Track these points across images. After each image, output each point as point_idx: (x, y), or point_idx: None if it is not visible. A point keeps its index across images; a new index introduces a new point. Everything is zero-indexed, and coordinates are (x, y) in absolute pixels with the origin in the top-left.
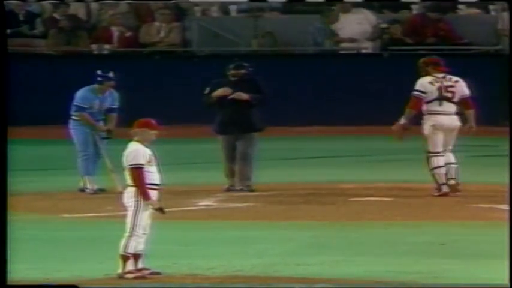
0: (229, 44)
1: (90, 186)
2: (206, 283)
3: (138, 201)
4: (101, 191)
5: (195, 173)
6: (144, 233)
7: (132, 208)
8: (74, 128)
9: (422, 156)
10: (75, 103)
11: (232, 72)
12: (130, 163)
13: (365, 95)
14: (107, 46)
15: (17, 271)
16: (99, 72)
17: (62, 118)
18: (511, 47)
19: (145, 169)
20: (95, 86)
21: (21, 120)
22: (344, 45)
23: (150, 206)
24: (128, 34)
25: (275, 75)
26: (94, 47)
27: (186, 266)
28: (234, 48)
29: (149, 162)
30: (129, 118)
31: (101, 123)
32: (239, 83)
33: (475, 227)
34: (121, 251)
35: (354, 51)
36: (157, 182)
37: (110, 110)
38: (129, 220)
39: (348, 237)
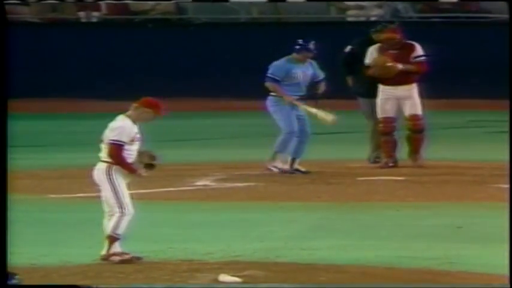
0: (228, 12)
1: (280, 165)
2: (204, 269)
3: (110, 175)
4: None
5: (192, 151)
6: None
7: (108, 186)
8: (272, 106)
9: (437, 132)
10: (267, 74)
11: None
12: (113, 138)
13: None
14: (95, 14)
15: None
16: (299, 41)
17: (46, 90)
18: (510, 45)
19: (126, 147)
20: (293, 55)
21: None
22: (351, 12)
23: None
24: (118, 1)
25: (277, 45)
26: (82, 14)
27: (181, 251)
28: (232, 16)
29: (132, 140)
30: (120, 89)
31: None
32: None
33: (494, 208)
34: (110, 231)
35: (362, 19)
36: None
37: (314, 84)
38: (112, 200)
39: (356, 219)
